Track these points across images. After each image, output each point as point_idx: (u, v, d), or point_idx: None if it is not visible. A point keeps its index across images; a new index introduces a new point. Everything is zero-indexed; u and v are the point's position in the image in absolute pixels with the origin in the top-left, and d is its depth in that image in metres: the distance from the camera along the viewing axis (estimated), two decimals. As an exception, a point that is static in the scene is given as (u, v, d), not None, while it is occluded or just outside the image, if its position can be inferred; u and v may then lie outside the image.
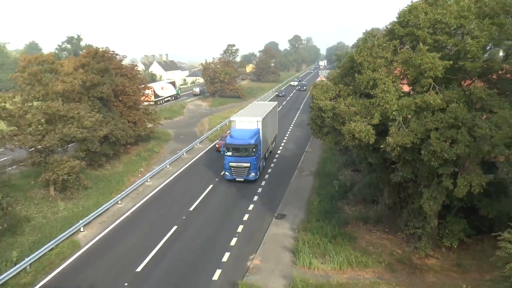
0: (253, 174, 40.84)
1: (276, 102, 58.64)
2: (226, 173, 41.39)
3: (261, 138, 42.93)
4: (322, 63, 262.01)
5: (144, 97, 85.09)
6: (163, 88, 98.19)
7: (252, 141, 40.39)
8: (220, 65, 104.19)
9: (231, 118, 45.63)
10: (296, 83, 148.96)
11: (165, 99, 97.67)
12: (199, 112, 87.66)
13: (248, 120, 43.82)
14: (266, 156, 48.51)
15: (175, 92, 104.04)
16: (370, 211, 32.90)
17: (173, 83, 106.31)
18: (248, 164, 40.37)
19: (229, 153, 40.33)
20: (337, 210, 33.62)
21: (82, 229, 30.98)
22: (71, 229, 30.00)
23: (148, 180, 42.30)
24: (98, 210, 33.64)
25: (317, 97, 26.40)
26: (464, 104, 21.77)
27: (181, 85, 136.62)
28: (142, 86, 58.18)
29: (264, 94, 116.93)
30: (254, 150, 40.22)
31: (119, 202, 36.44)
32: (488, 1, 23.09)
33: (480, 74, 23.36)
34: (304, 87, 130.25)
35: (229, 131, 45.95)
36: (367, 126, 22.54)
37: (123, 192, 37.81)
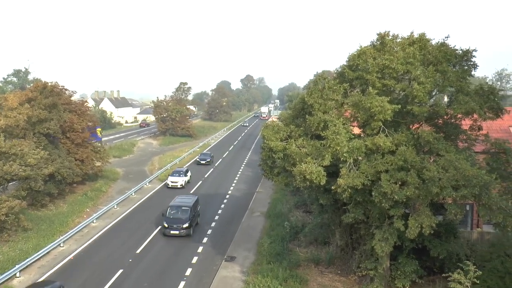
0: None
1: None
2: None
3: None
4: (266, 108, 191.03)
5: None
6: None
7: None
8: (172, 103, 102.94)
9: None
10: (177, 182, 53.19)
11: None
12: (150, 150, 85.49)
13: None
14: None
15: None
16: (322, 252, 32.20)
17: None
18: None
19: None
20: (288, 252, 32.66)
21: (18, 275, 28.29)
22: (4, 274, 27.32)
23: (94, 221, 39.88)
24: (38, 253, 31.05)
25: (268, 138, 25.90)
26: (413, 147, 22.01)
27: (132, 122, 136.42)
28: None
29: (216, 133, 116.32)
30: None
31: (62, 245, 33.86)
32: (432, 49, 23.88)
33: (427, 119, 23.82)
34: (184, 230, 36.11)
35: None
36: (318, 167, 22.06)
37: (67, 234, 35.28)
